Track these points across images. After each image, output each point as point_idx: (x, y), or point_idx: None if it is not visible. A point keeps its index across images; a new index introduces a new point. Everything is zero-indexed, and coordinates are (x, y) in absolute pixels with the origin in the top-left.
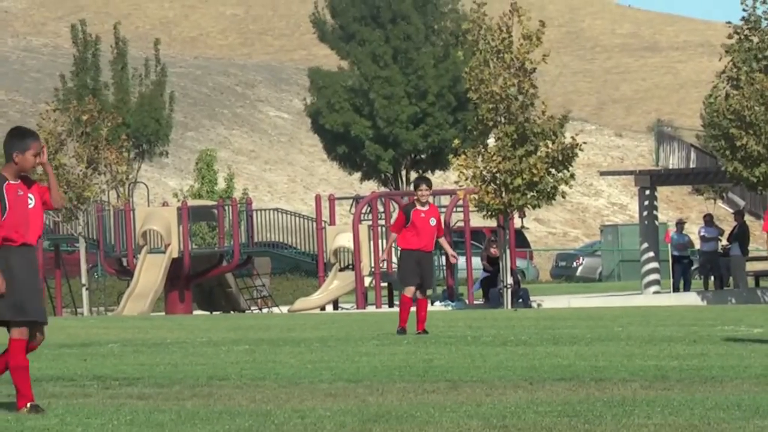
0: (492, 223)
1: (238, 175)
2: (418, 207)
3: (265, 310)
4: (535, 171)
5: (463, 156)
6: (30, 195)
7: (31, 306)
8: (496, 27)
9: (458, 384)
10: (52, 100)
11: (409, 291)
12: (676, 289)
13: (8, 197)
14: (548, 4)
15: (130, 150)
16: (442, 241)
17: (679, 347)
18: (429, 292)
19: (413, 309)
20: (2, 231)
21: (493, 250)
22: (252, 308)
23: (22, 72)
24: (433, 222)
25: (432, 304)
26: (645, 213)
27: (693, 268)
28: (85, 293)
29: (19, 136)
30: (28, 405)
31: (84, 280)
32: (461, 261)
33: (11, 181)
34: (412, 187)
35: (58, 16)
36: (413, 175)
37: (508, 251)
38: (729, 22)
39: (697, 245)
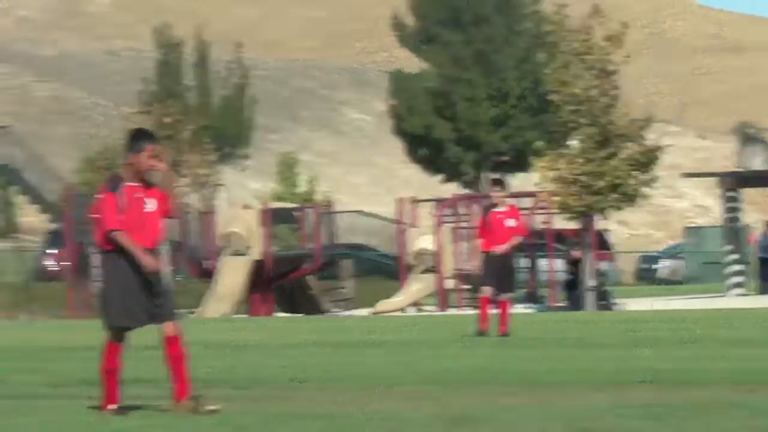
0: (574, 225)
1: (320, 178)
2: (495, 209)
3: (346, 312)
4: (617, 173)
5: (545, 158)
6: (149, 199)
7: (137, 309)
8: (577, 29)
9: (539, 386)
10: (135, 103)
11: (485, 292)
12: (764, 292)
13: (126, 199)
14: (630, 5)
15: (213, 153)
16: (514, 239)
17: (764, 350)
18: (511, 294)
19: (495, 311)
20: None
21: (576, 253)
22: (334, 310)
23: (105, 75)
24: (511, 223)
25: (514, 306)
26: (728, 215)
27: None
28: None
29: (135, 137)
30: (113, 407)
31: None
32: (543, 263)
33: (130, 183)
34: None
35: (141, 19)
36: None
37: (590, 253)
38: None
39: None
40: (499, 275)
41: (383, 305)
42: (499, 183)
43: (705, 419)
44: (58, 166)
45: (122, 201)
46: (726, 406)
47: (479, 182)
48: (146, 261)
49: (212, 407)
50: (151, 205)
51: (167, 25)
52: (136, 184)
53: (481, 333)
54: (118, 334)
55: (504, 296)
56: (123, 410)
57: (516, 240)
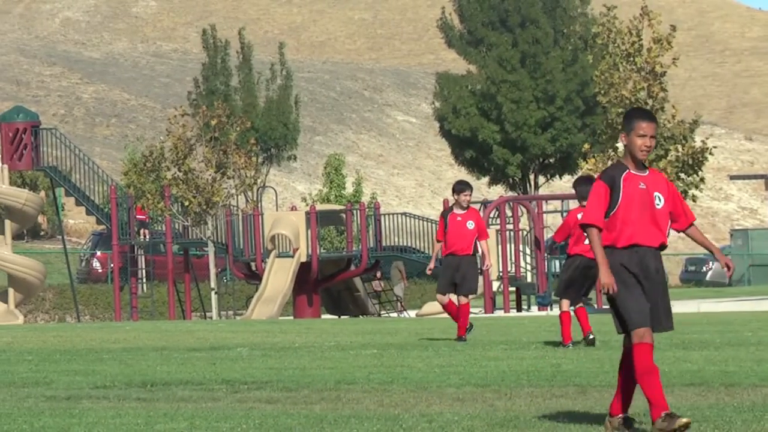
0: None
1: (366, 180)
2: (456, 210)
3: (393, 314)
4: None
5: (592, 160)
6: (657, 193)
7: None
8: (626, 31)
9: (587, 389)
10: (181, 104)
11: (441, 299)
12: None
13: (624, 189)
14: (677, 7)
15: (259, 154)
16: (483, 244)
17: None
18: (470, 295)
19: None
20: (612, 230)
21: None
22: (381, 312)
23: (151, 77)
24: (470, 225)
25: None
26: None
27: None
28: (214, 297)
29: (628, 115)
30: (663, 414)
31: (213, 284)
32: None
33: (632, 171)
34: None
35: (187, 21)
36: (541, 179)
37: None
38: None
39: None
40: (455, 279)
41: (429, 307)
42: (466, 185)
43: (751, 422)
44: (104, 167)
45: (619, 193)
46: None
47: (525, 184)
48: (606, 278)
49: (684, 420)
50: (660, 201)
51: (213, 27)
52: (642, 173)
53: (460, 339)
54: (646, 333)
55: (463, 299)
56: (672, 416)
57: (485, 246)
